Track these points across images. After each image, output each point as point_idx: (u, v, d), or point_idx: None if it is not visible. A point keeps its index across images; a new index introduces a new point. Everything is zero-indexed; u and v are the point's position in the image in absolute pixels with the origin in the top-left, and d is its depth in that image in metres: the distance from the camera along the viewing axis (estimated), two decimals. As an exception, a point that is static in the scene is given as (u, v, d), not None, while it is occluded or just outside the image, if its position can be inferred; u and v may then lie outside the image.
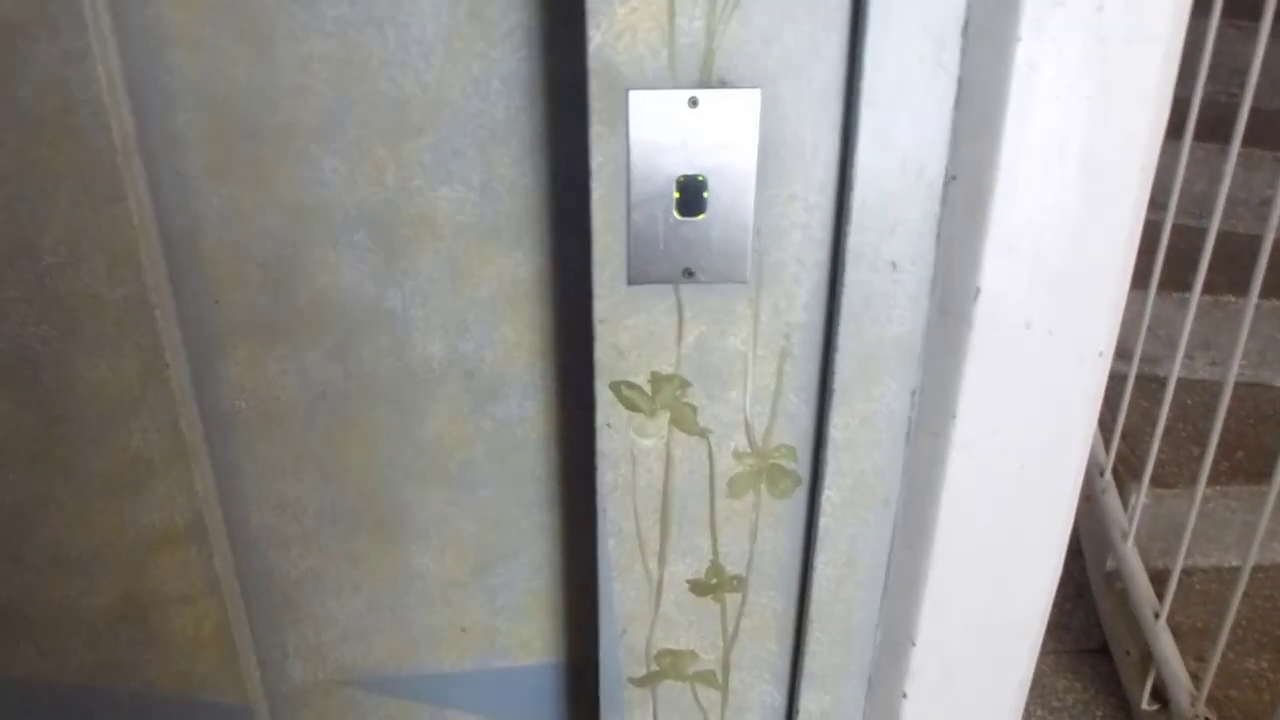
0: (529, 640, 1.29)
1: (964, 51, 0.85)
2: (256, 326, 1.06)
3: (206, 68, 0.95)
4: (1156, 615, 2.12)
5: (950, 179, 0.90)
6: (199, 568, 1.13)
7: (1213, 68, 2.04)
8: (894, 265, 0.94)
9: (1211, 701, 2.06)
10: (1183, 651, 2.13)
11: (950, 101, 0.87)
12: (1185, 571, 2.23)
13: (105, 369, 1.02)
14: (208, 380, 1.09)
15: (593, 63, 0.86)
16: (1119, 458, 2.43)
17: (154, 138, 0.97)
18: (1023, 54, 0.81)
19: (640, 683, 1.17)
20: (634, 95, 0.87)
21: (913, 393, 1.01)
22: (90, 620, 1.16)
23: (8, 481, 1.08)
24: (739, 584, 1.12)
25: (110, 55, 0.91)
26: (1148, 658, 2.18)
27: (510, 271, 1.06)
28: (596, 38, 0.85)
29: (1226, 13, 2.12)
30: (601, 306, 0.97)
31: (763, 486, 1.07)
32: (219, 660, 1.19)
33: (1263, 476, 2.18)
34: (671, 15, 0.84)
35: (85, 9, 0.87)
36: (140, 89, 0.95)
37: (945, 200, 0.91)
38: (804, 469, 1.06)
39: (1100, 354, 0.94)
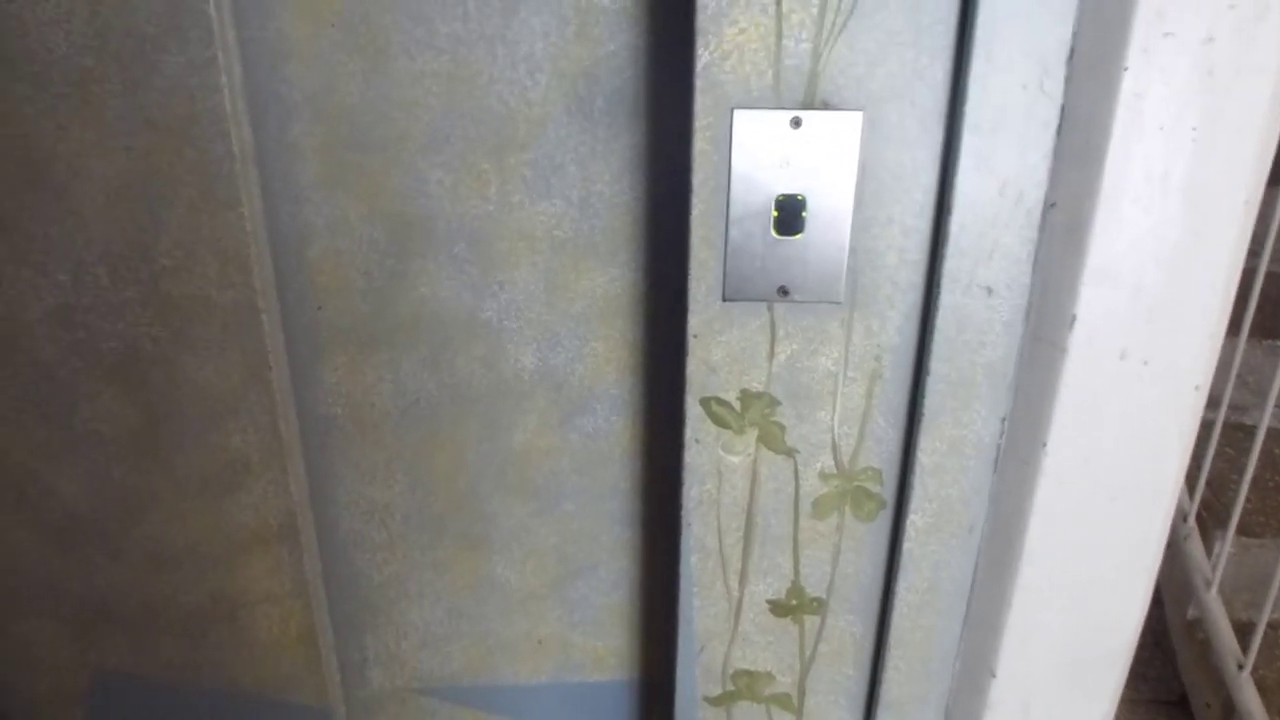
0: (605, 655, 1.30)
1: (1068, 79, 0.86)
2: (356, 333, 1.09)
3: (322, 81, 0.98)
4: (1240, 667, 2.07)
5: (1050, 206, 0.91)
6: (288, 569, 1.16)
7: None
8: (989, 291, 0.94)
9: (1293, 757, 2.00)
10: (1267, 706, 2.08)
11: (1053, 128, 0.88)
12: (1271, 624, 2.17)
13: (211, 370, 1.05)
14: (307, 385, 1.12)
15: (699, 82, 0.89)
16: (1203, 504, 2.37)
17: (269, 147, 1.01)
18: (1129, 83, 0.81)
19: (715, 702, 1.17)
20: (738, 114, 0.89)
21: (1003, 420, 1.01)
22: (181, 616, 1.19)
23: (111, 477, 1.11)
24: (819, 606, 1.12)
25: (234, 66, 0.95)
26: (1230, 711, 2.12)
27: (604, 287, 1.08)
28: (704, 57, 0.88)
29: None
30: (696, 321, 0.98)
31: (847, 508, 1.07)
32: (302, 662, 1.21)
33: (1352, 530, 2.14)
34: (779, 37, 0.86)
35: (214, 22, 0.91)
36: (259, 100, 0.99)
37: (1044, 227, 0.92)
38: (889, 493, 1.06)
39: (1197, 387, 0.94)
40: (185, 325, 1.03)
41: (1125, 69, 0.81)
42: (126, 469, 1.11)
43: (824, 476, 1.05)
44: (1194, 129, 0.83)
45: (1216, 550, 2.21)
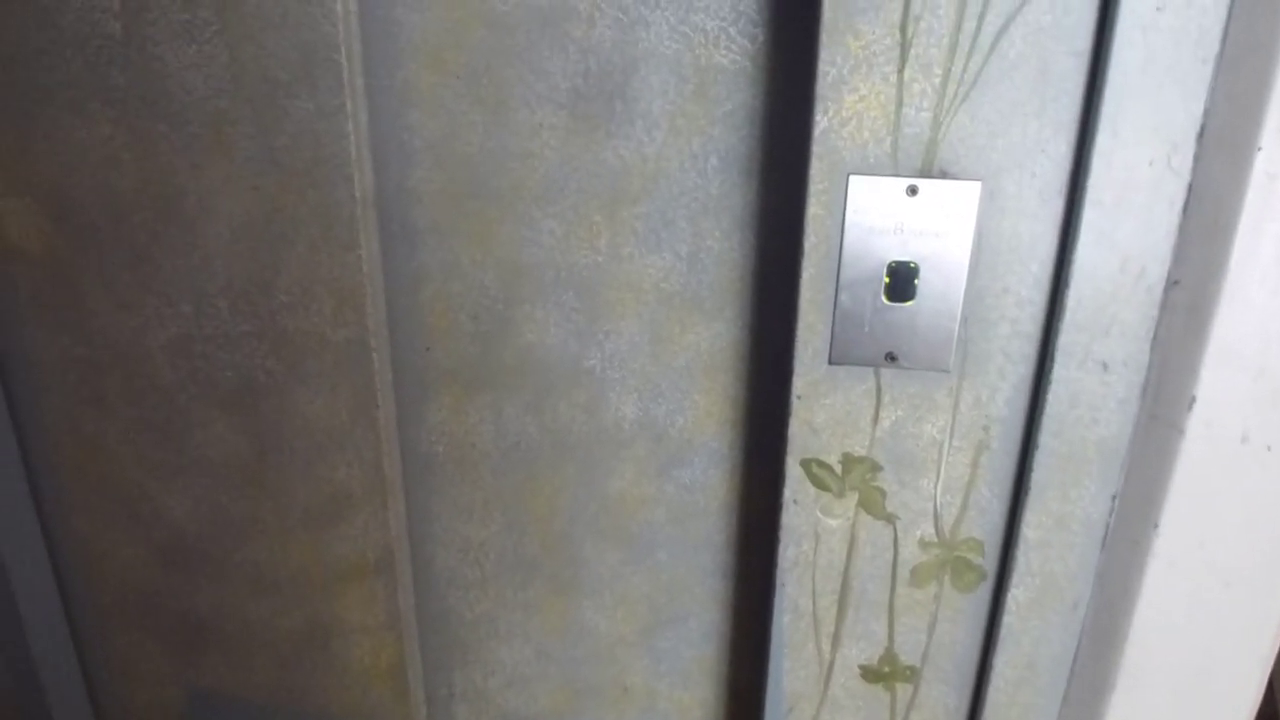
0: (690, 707, 1.29)
1: (1198, 157, 0.84)
2: (462, 375, 1.11)
3: (444, 129, 1.01)
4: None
5: (1172, 283, 0.88)
6: (383, 602, 1.17)
7: None
8: (1105, 366, 0.92)
9: None
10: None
11: (1179, 205, 0.86)
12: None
13: (320, 404, 1.08)
14: (411, 423, 1.14)
15: (816, 146, 0.88)
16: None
17: (389, 192, 1.03)
18: (1262, 163, 0.79)
19: (801, 764, 1.16)
20: (854, 180, 0.89)
21: (1113, 497, 0.98)
22: (276, 641, 1.22)
23: (219, 503, 1.14)
24: (912, 675, 1.10)
25: (360, 113, 0.97)
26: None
27: (709, 341, 1.08)
28: (823, 122, 0.87)
29: None
30: (800, 383, 0.97)
31: (946, 578, 1.05)
32: (390, 693, 1.23)
33: None
34: (899, 105, 0.86)
35: (344, 70, 0.93)
36: (381, 146, 1.01)
37: (1165, 305, 0.89)
38: (990, 564, 1.04)
39: (1320, 475, 0.90)
40: (299, 360, 1.06)
41: (1259, 149, 0.78)
42: (234, 495, 1.14)
43: (924, 544, 1.03)
44: (1330, 213, 0.80)
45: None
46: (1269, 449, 0.89)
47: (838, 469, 1.01)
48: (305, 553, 1.16)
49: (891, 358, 0.95)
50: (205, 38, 0.93)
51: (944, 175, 0.88)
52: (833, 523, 1.03)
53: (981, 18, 0.83)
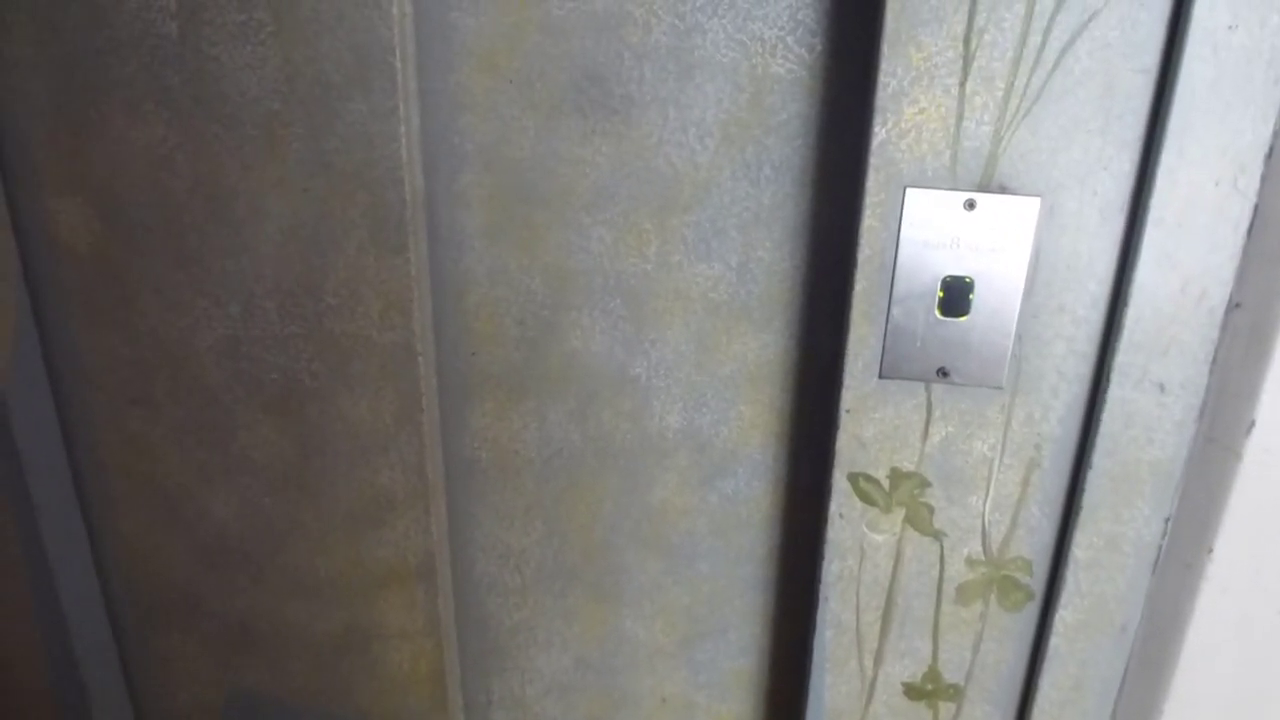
0: (727, 720, 1.29)
1: (1265, 179, 0.82)
2: (506, 380, 1.11)
3: (496, 134, 1.00)
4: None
5: (1234, 306, 0.87)
6: (423, 607, 1.17)
7: None
8: (1162, 388, 0.91)
9: None
10: None
11: (1244, 228, 0.84)
12: None
13: (365, 407, 1.08)
14: (454, 428, 1.13)
15: (873, 158, 0.87)
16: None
17: (439, 195, 1.03)
18: (1332, 185, 0.77)
19: (840, 781, 1.15)
20: (911, 193, 0.88)
21: (1166, 520, 0.96)
22: (317, 644, 1.22)
23: (262, 505, 1.15)
24: (956, 694, 1.09)
25: (412, 116, 0.97)
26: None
27: (756, 352, 1.07)
28: (880, 134, 0.86)
29: None
30: (849, 397, 0.96)
31: (993, 597, 1.04)
32: (429, 698, 1.23)
33: None
34: (959, 119, 0.85)
35: (398, 73, 0.93)
36: (432, 149, 1.01)
37: (1226, 327, 0.88)
38: (1038, 584, 1.03)
39: (1382, 502, 0.89)
40: (344, 363, 1.06)
41: (1330, 171, 0.77)
42: (277, 497, 1.14)
43: (971, 562, 1.02)
44: (1401, 237, 0.79)
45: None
46: (1329, 475, 0.87)
47: (885, 484, 1.00)
48: (346, 556, 1.16)
49: (943, 373, 0.94)
50: (260, 39, 0.93)
51: (1003, 190, 0.87)
52: (878, 538, 1.02)
53: (1047, 32, 0.81)
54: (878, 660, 1.08)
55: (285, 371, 1.08)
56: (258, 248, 1.02)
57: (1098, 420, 0.93)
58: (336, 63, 0.94)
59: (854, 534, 1.02)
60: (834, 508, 1.01)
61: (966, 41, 0.83)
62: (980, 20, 0.82)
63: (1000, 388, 0.94)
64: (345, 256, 1.01)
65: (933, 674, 1.08)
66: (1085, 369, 0.93)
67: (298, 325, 1.05)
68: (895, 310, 0.92)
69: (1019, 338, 0.92)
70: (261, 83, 0.96)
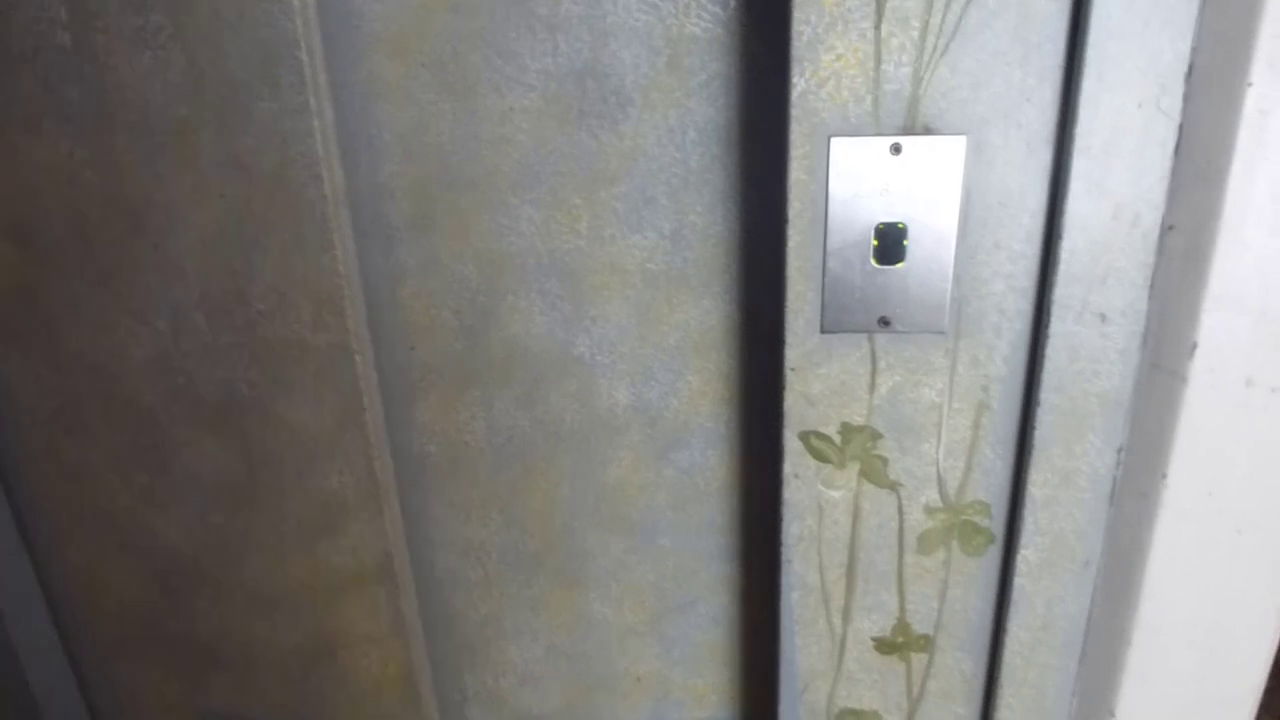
0: (704, 693, 1.28)
1: (1187, 97, 0.82)
2: (449, 372, 1.09)
3: (413, 121, 0.98)
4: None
5: (1167, 229, 0.86)
6: (386, 610, 1.15)
7: None
8: (1103, 318, 0.90)
9: None
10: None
11: (1170, 148, 0.84)
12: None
13: (306, 413, 1.05)
14: (401, 425, 1.11)
15: (794, 110, 0.86)
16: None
17: (361, 189, 1.01)
18: (1253, 100, 0.77)
19: (821, 742, 1.14)
20: (835, 142, 0.87)
21: (1119, 450, 0.96)
22: (284, 657, 1.19)
23: (212, 522, 1.12)
24: (926, 644, 1.08)
25: (325, 110, 0.95)
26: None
27: (698, 320, 1.06)
28: (800, 84, 0.85)
29: None
30: (793, 355, 0.95)
31: (954, 543, 1.03)
32: (401, 701, 1.21)
33: None
34: (877, 62, 0.84)
35: (306, 67, 0.91)
36: (350, 142, 0.99)
37: (1161, 251, 0.87)
38: (998, 527, 1.03)
39: (1328, 414, 0.89)
40: (281, 369, 1.04)
41: (1249, 85, 0.77)
42: (227, 513, 1.11)
43: (929, 511, 1.02)
44: (1324, 144, 0.78)
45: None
46: (1274, 391, 0.87)
47: (837, 440, 0.99)
48: (304, 566, 1.14)
49: (885, 322, 0.93)
50: (160, 43, 0.90)
51: (928, 131, 0.86)
52: (835, 495, 1.01)
53: (956, -33, 0.81)
54: (846, 617, 1.07)
55: (221, 383, 1.05)
56: (179, 259, 0.99)
57: (1042, 356, 0.92)
58: (242, 61, 0.91)
59: (810, 493, 1.01)
60: (788, 468, 1.00)
61: (877, -17, 0.82)
62: (888, -40, 0.81)
63: (943, 332, 0.93)
64: (271, 260, 0.99)
65: (902, 626, 1.08)
66: (1026, 305, 0.93)
67: (229, 335, 1.03)
68: (831, 263, 0.91)
69: (957, 279, 0.92)
70: (166, 88, 0.93)
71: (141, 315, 1.02)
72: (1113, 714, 1.03)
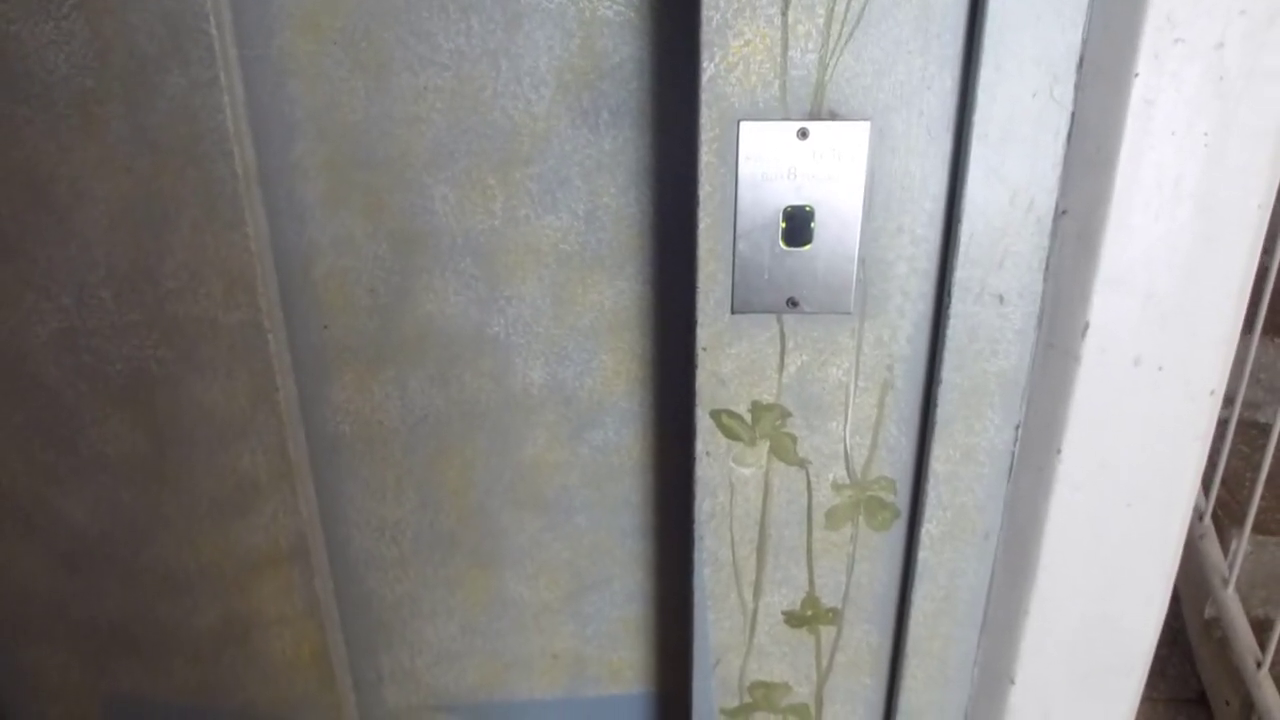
0: (620, 669, 1.30)
1: (1078, 86, 0.85)
2: (363, 351, 1.09)
3: (325, 99, 0.98)
4: (1259, 664, 2.06)
5: (1061, 213, 0.90)
6: (300, 590, 1.15)
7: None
8: (1001, 299, 0.93)
9: (1315, 754, 1.99)
10: (1288, 701, 2.07)
11: (1063, 136, 0.87)
12: (1288, 621, 2.16)
13: (218, 391, 1.05)
14: (314, 404, 1.11)
15: (705, 94, 0.88)
16: (1218, 503, 2.36)
17: (273, 166, 1.00)
18: (1139, 90, 0.80)
19: (733, 714, 1.16)
20: (745, 126, 0.89)
21: (1016, 427, 1.00)
22: (193, 639, 1.19)
23: (120, 502, 1.11)
24: (834, 616, 1.11)
25: (235, 86, 0.94)
26: (1249, 708, 2.11)
27: (612, 300, 1.07)
28: (709, 69, 0.87)
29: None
30: (704, 334, 0.97)
31: (861, 518, 1.06)
32: (316, 682, 1.21)
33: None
34: (784, 48, 0.86)
35: (215, 41, 0.90)
36: (261, 119, 0.98)
37: (1055, 234, 0.91)
38: (903, 502, 1.06)
39: (1211, 392, 0.93)
40: (191, 347, 1.03)
41: (1136, 75, 0.80)
42: (135, 492, 1.10)
43: (837, 487, 1.04)
44: (1205, 134, 0.82)
45: (1233, 548, 2.20)
46: (1160, 369, 0.91)
47: (747, 418, 1.01)
48: (215, 546, 1.13)
49: (793, 303, 0.95)
50: (63, 13, 0.89)
51: (833, 117, 0.88)
52: (746, 472, 1.03)
53: (860, -44, 0.83)
54: (757, 592, 1.10)
55: (130, 361, 1.04)
56: (85, 233, 0.98)
57: (944, 336, 0.95)
58: (149, 34, 0.90)
59: (722, 470, 1.03)
60: (700, 446, 1.02)
61: (784, -30, 0.83)
62: (795, -52, 0.83)
63: (849, 313, 0.96)
64: (180, 236, 0.98)
65: (811, 600, 1.10)
66: (928, 287, 0.95)
67: (138, 312, 1.01)
68: (740, 244, 0.93)
69: (862, 262, 0.94)
70: (70, 59, 0.91)
71: (45, 290, 1.00)
72: (1013, 681, 1.07)
